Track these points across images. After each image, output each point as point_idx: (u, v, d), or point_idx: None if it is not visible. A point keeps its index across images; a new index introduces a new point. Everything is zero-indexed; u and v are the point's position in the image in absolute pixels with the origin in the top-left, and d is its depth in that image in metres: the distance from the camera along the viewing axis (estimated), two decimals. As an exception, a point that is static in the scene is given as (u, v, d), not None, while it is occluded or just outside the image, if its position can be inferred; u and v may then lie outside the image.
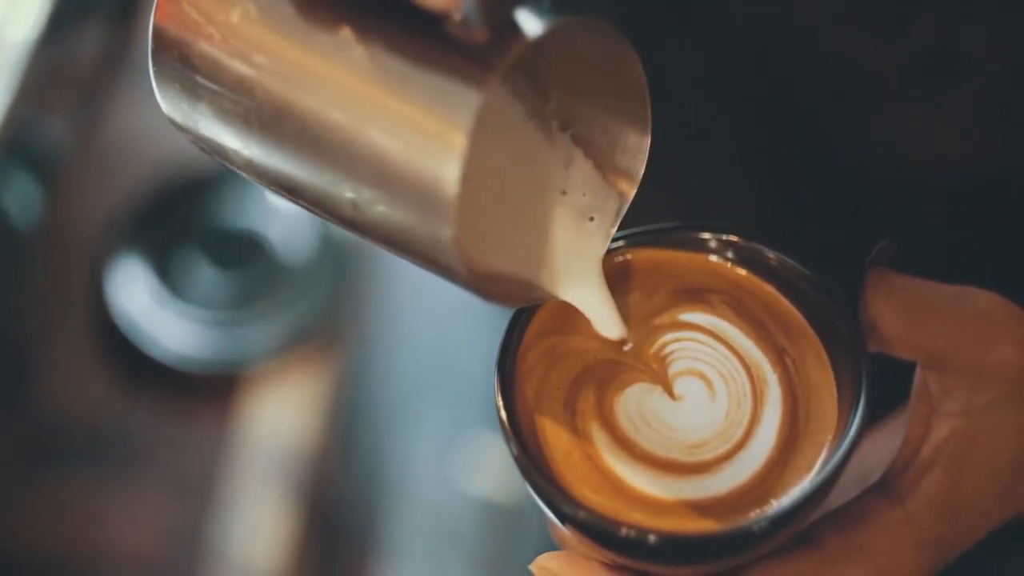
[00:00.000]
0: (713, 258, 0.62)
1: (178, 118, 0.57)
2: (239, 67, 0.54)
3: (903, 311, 0.56)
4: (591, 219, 0.60)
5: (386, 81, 0.51)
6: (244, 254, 1.72)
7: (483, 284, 0.55)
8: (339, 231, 1.71)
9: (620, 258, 0.62)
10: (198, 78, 0.55)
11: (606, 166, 0.60)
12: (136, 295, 1.67)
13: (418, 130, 0.50)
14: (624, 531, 0.53)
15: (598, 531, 0.54)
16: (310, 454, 1.62)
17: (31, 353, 1.66)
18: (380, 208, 0.52)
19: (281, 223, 1.72)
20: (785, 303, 0.61)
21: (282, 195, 0.57)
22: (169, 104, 0.57)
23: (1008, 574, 0.84)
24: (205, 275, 1.70)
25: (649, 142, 0.58)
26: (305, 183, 0.54)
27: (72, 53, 1.65)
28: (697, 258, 0.62)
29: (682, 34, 0.79)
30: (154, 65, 0.56)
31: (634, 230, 0.62)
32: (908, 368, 0.59)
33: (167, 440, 1.63)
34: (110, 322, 1.66)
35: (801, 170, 0.79)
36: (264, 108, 0.53)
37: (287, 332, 1.67)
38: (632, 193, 0.59)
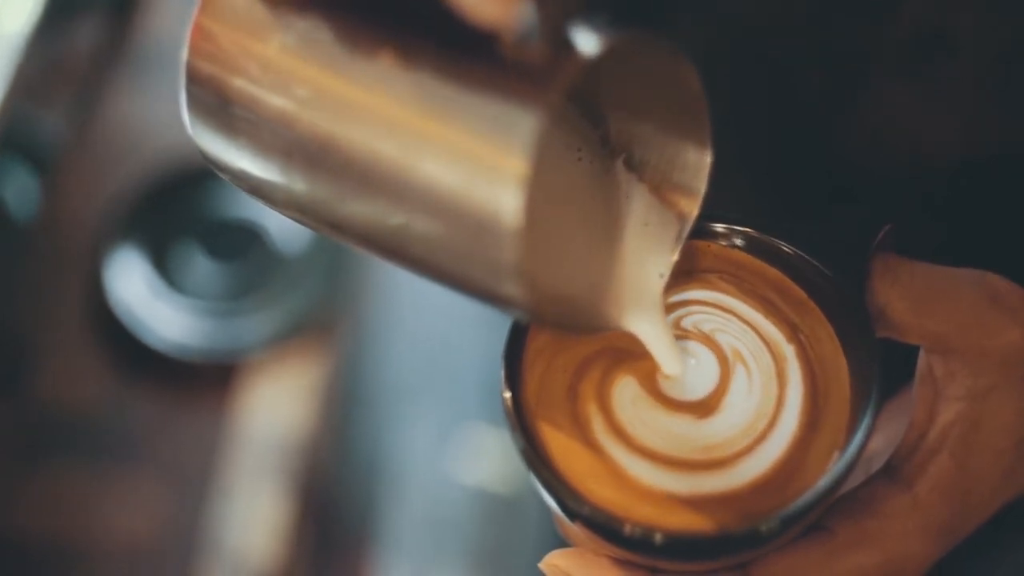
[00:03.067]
0: (709, 241, 0.60)
1: (215, 155, 0.55)
2: (279, 101, 0.51)
3: (910, 297, 0.56)
4: (651, 244, 0.57)
5: (436, 108, 0.48)
6: (241, 244, 1.72)
7: (542, 313, 0.52)
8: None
9: None
10: (236, 113, 0.52)
11: (664, 187, 0.57)
12: (133, 286, 1.67)
13: (475, 159, 0.47)
14: (630, 529, 0.52)
15: (604, 528, 0.53)
16: (306, 444, 1.62)
17: (29, 343, 1.66)
18: (434, 241, 0.49)
19: (278, 214, 1.72)
20: (790, 283, 0.59)
21: (326, 232, 0.54)
22: (205, 141, 0.54)
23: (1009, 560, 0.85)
24: (202, 266, 1.71)
25: (710, 160, 0.55)
26: (352, 219, 0.52)
27: (69, 46, 1.65)
28: (693, 242, 0.60)
29: (676, 26, 0.79)
30: (188, 101, 0.54)
31: None
32: (912, 352, 0.59)
33: (163, 429, 1.63)
34: (107, 312, 1.66)
35: (797, 158, 0.79)
36: (307, 142, 0.51)
37: (284, 322, 1.67)
38: (694, 213, 0.57)
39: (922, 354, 0.59)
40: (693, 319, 0.59)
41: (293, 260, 1.71)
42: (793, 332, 0.58)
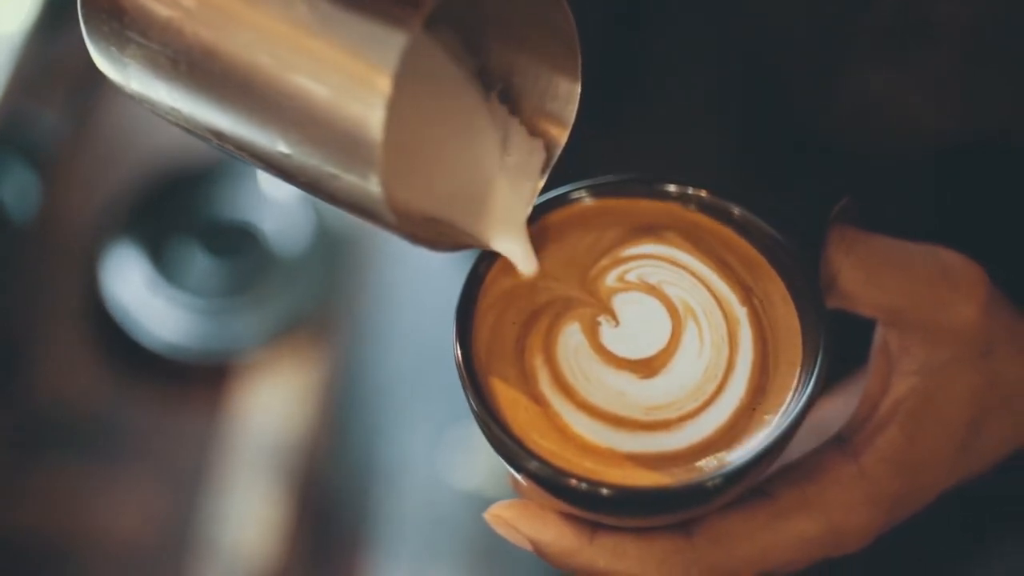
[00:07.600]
0: (669, 202, 0.61)
1: (107, 65, 0.56)
2: (167, 10, 0.53)
3: (863, 268, 0.56)
4: (518, 172, 0.59)
5: (311, 23, 0.50)
6: (237, 243, 1.72)
7: (410, 229, 0.54)
8: (333, 220, 1.72)
9: (570, 206, 0.61)
10: (126, 20, 0.54)
11: (537, 118, 0.59)
12: (130, 284, 1.68)
13: (343, 73, 0.50)
14: (576, 483, 0.52)
15: (550, 482, 0.53)
16: (301, 443, 1.62)
17: (25, 341, 1.67)
18: (307, 152, 0.52)
19: (274, 213, 1.72)
20: (746, 245, 0.60)
21: (210, 141, 0.56)
22: (98, 51, 0.56)
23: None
24: (198, 264, 1.71)
25: (579, 90, 0.57)
26: (234, 128, 0.53)
27: (66, 44, 1.66)
28: (652, 203, 0.61)
29: (663, 8, 0.79)
30: (83, 10, 0.56)
31: (589, 181, 0.61)
32: (869, 325, 0.59)
33: (159, 428, 1.63)
34: (104, 311, 1.66)
35: (771, 132, 0.79)
36: (192, 51, 0.53)
37: (279, 321, 1.67)
38: (563, 140, 0.59)
39: (879, 327, 0.59)
40: (641, 271, 0.59)
41: (289, 259, 1.72)
42: (747, 295, 0.58)
